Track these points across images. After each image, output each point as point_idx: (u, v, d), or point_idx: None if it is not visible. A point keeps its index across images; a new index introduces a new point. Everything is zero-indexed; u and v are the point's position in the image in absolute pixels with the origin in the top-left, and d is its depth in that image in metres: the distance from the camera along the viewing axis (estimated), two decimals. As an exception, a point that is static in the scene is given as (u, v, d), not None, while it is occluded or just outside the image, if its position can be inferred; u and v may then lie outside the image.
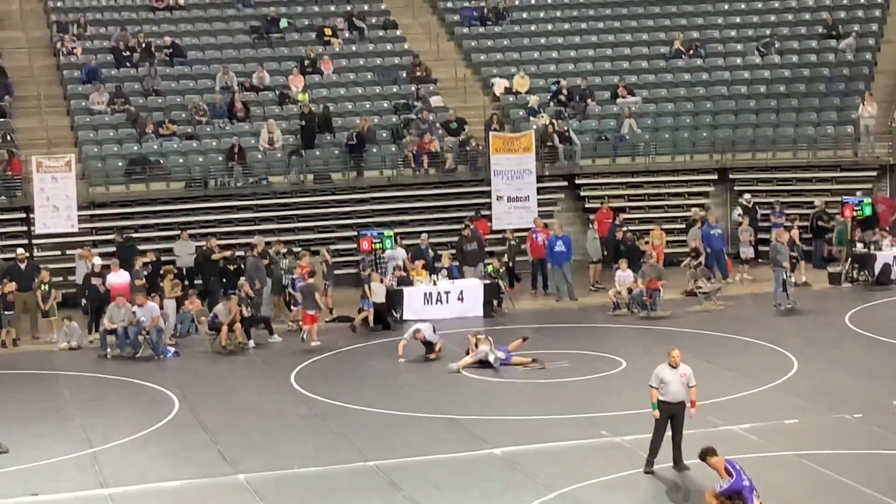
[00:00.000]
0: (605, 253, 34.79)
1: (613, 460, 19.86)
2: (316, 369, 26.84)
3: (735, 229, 36.59)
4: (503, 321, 30.97)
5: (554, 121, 38.46)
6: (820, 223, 36.13)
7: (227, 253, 32.44)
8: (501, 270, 33.06)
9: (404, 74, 40.86)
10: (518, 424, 22.18)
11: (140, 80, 39.19)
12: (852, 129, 39.27)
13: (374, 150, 37.57)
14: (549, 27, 44.03)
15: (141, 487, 19.44)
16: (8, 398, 25.05)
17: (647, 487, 18.82)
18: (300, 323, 30.30)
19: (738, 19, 44.54)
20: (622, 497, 18.59)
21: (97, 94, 37.94)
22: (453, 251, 33.95)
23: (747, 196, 37.08)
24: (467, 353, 26.52)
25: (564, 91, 40.13)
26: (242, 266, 31.60)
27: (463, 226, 34.69)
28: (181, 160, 36.55)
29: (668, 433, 19.18)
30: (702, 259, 33.24)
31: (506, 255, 34.28)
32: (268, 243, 32.83)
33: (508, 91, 40.59)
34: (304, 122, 37.41)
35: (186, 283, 32.48)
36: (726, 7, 45.02)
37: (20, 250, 31.75)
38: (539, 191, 37.03)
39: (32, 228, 34.09)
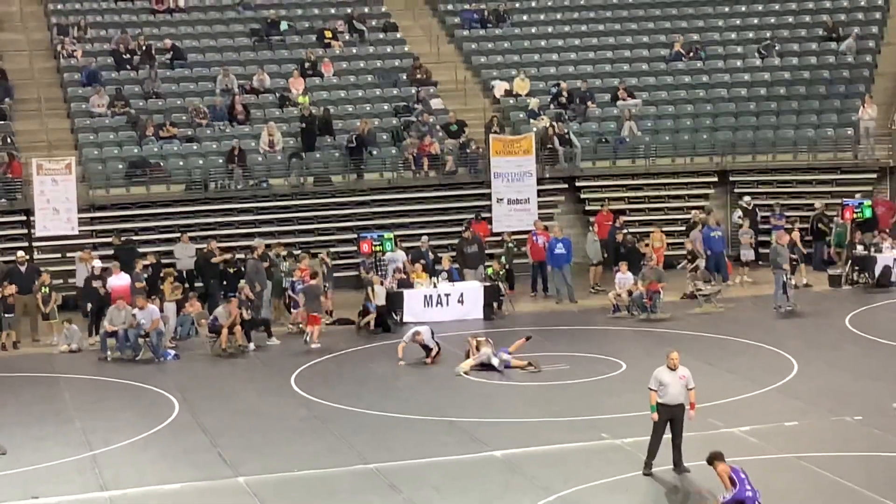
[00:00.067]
0: (606, 255, 34.79)
1: (613, 463, 19.86)
2: (316, 372, 26.84)
3: (735, 231, 36.58)
4: (503, 323, 30.96)
5: (554, 123, 38.46)
6: (820, 225, 36.12)
7: (227, 256, 32.44)
8: (501, 273, 33.06)
9: (404, 77, 40.87)
10: (518, 427, 22.17)
11: (140, 83, 39.20)
12: (852, 131, 39.27)
13: (375, 152, 37.58)
14: (550, 29, 44.03)
15: (141, 490, 19.44)
16: (8, 401, 25.05)
17: (646, 490, 18.82)
18: (301, 325, 30.34)
19: (738, 21, 44.55)
20: (622, 499, 18.59)
21: (97, 97, 37.95)
22: (453, 254, 33.96)
23: (747, 198, 37.09)
24: (467, 355, 26.53)
25: (565, 93, 40.14)
26: (242, 269, 31.61)
27: (463, 228, 34.72)
28: (181, 163, 36.55)
29: (668, 436, 19.18)
30: (698, 262, 33.24)
31: (503, 258, 34.27)
32: (268, 246, 32.83)
33: (509, 93, 40.60)
34: (304, 125, 37.42)
35: (186, 285, 32.50)
36: (726, 9, 45.03)
37: (20, 253, 31.75)
38: (539, 193, 37.02)
39: (33, 231, 34.09)
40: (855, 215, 35.82)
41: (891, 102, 40.52)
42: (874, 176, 38.52)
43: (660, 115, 40.45)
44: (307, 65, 40.36)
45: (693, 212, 36.24)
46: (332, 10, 43.80)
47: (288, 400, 24.58)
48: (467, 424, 22.24)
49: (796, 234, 34.12)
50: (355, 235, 35.51)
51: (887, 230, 35.67)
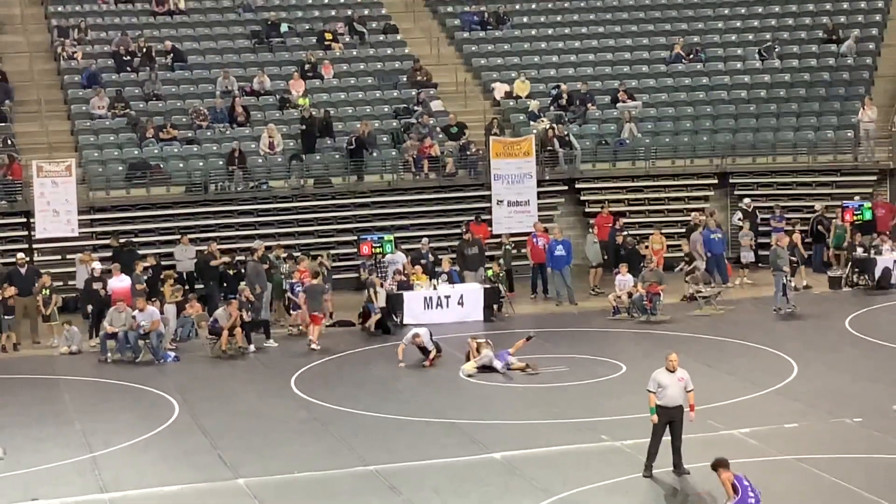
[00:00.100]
0: (605, 257, 34.83)
1: (613, 465, 19.87)
2: (316, 373, 26.85)
3: (735, 233, 36.58)
4: (503, 325, 30.97)
5: (554, 125, 38.47)
6: (819, 227, 36.13)
7: (226, 259, 32.43)
8: (501, 275, 33.07)
9: (405, 79, 40.88)
10: (518, 429, 22.18)
11: (141, 85, 39.22)
12: (852, 133, 39.27)
13: (375, 154, 37.59)
14: (550, 32, 44.04)
15: (141, 492, 19.45)
16: (8, 402, 25.06)
17: (646, 492, 18.83)
18: (300, 327, 30.35)
19: (738, 23, 44.56)
20: (621, 501, 18.59)
21: (98, 99, 37.97)
22: (453, 255, 33.97)
23: (747, 200, 37.12)
24: (468, 357, 26.54)
25: (565, 95, 40.15)
26: (243, 270, 31.60)
27: (464, 230, 34.74)
28: (181, 165, 36.57)
29: (668, 438, 19.18)
30: (696, 264, 33.25)
31: (501, 260, 34.27)
32: (268, 248, 32.83)
33: (509, 95, 40.61)
34: (304, 127, 37.43)
35: (187, 287, 32.51)
36: (727, 11, 45.05)
37: (20, 255, 31.78)
38: (539, 195, 37.02)
39: (33, 233, 34.10)
40: (855, 217, 35.85)
41: (891, 104, 40.53)
42: (874, 178, 38.52)
43: (660, 117, 40.46)
44: (307, 67, 40.37)
45: (693, 214, 36.24)
46: (333, 12, 43.80)
47: (288, 402, 24.59)
48: (467, 426, 22.24)
49: (797, 237, 34.15)
50: (355, 237, 35.56)
51: (887, 232, 35.67)
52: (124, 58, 39.79)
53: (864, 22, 44.04)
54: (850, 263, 34.44)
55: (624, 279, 31.86)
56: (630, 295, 31.28)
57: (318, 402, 24.32)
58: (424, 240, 34.37)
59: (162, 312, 29.12)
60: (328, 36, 42.06)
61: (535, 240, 34.24)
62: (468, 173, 37.69)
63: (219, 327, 28.57)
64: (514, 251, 35.04)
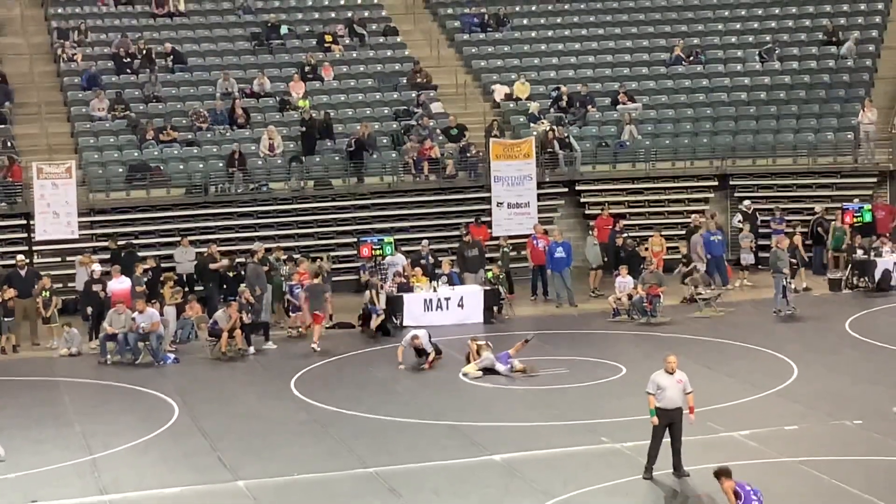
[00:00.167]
0: (606, 259, 34.83)
1: (613, 467, 19.86)
2: (316, 375, 26.84)
3: (735, 235, 36.57)
4: (503, 327, 30.96)
5: (554, 127, 38.48)
6: (819, 229, 36.12)
7: (225, 263, 32.40)
8: (501, 277, 33.06)
9: (405, 81, 40.89)
10: (518, 431, 22.17)
11: (140, 87, 39.22)
12: (852, 135, 39.28)
13: (375, 156, 37.59)
14: (550, 33, 44.04)
15: (141, 494, 19.45)
16: (8, 404, 25.05)
17: (646, 494, 18.82)
18: (300, 329, 30.35)
19: (738, 25, 44.57)
20: (621, 503, 18.58)
21: (98, 101, 37.97)
22: (453, 257, 33.96)
23: (747, 202, 37.12)
24: (468, 359, 26.53)
25: (565, 97, 40.15)
26: (242, 272, 31.60)
27: (464, 232, 34.74)
28: (181, 166, 36.58)
29: (668, 440, 19.17)
30: (694, 265, 33.24)
31: (499, 262, 34.25)
32: (268, 250, 32.81)
33: (509, 97, 40.61)
34: (304, 129, 37.43)
35: (186, 289, 32.50)
36: (727, 13, 45.05)
37: (20, 257, 31.76)
38: (539, 197, 37.03)
39: (32, 235, 34.11)
40: (855, 219, 35.84)
41: (891, 106, 40.53)
42: (874, 180, 38.51)
43: (660, 118, 40.47)
44: (307, 68, 40.38)
45: (693, 216, 36.24)
46: (333, 14, 43.82)
47: (288, 404, 24.58)
48: (467, 428, 22.23)
49: (798, 238, 34.15)
50: (355, 239, 35.54)
51: (887, 234, 35.66)
52: (124, 60, 39.79)
53: (863, 24, 44.06)
54: (850, 265, 34.43)
55: (624, 281, 31.86)
56: (630, 297, 31.28)
57: (317, 403, 24.31)
58: (424, 242, 34.38)
59: (162, 314, 29.11)
60: (328, 38, 42.08)
61: (535, 242, 34.23)
62: (468, 175, 37.70)
63: (218, 329, 28.57)
64: (513, 253, 35.01)
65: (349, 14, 43.44)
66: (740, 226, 36.39)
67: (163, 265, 32.88)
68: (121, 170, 36.14)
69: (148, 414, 23.97)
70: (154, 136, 37.03)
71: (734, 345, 28.29)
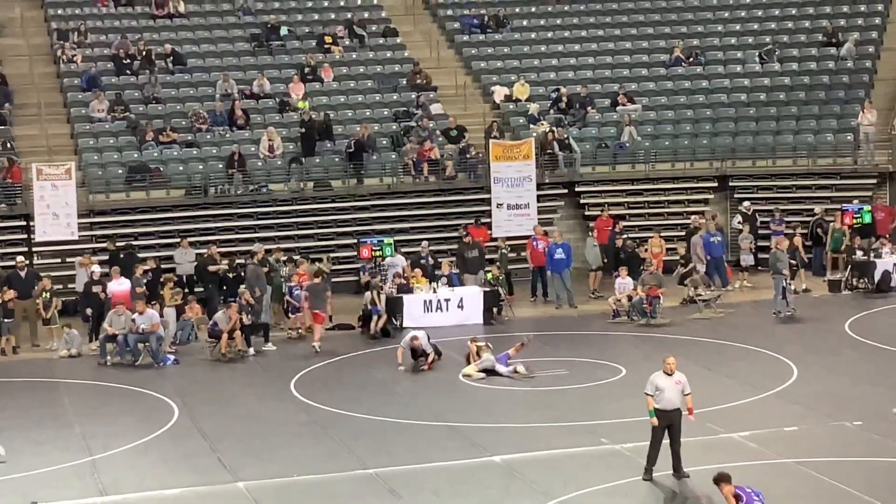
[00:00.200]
0: (605, 260, 34.83)
1: (613, 468, 19.86)
2: (316, 376, 26.84)
3: (735, 237, 36.58)
4: (503, 328, 30.96)
5: (554, 128, 38.48)
6: (819, 231, 36.12)
7: (224, 265, 32.40)
8: (501, 278, 33.06)
9: (404, 82, 40.89)
10: (518, 432, 22.18)
11: (140, 88, 39.23)
12: (852, 136, 39.28)
13: (374, 157, 37.59)
14: (550, 35, 44.05)
15: (140, 495, 19.45)
16: (7, 405, 25.05)
17: (646, 495, 18.82)
18: (300, 330, 30.35)
19: (737, 27, 44.59)
20: (621, 504, 18.63)
21: (97, 102, 37.98)
22: (453, 258, 33.97)
23: (747, 203, 37.12)
24: (468, 360, 26.53)
25: (564, 99, 40.16)
26: (242, 273, 31.61)
27: (464, 233, 34.74)
28: (181, 168, 36.58)
29: (668, 441, 19.17)
30: (693, 266, 33.24)
31: (499, 263, 34.25)
32: (268, 251, 32.81)
33: (508, 99, 40.61)
34: (304, 130, 37.43)
35: (186, 290, 32.50)
36: (726, 15, 45.06)
37: (20, 258, 31.74)
38: (539, 198, 37.03)
39: (32, 236, 34.12)
40: (854, 221, 35.85)
41: (890, 108, 40.53)
42: (874, 181, 38.51)
43: (659, 120, 40.47)
44: (307, 70, 40.38)
45: (693, 217, 36.24)
46: (332, 16, 43.82)
47: (287, 405, 24.58)
48: (467, 429, 22.23)
49: (797, 240, 34.15)
50: (355, 240, 35.54)
51: (887, 235, 35.67)
52: (124, 61, 39.79)
53: (863, 25, 44.06)
54: (849, 267, 34.43)
55: (624, 282, 31.87)
56: (630, 298, 31.28)
57: (317, 405, 24.31)
58: (424, 243, 34.39)
59: (161, 315, 29.11)
60: (328, 39, 42.08)
61: (534, 243, 34.23)
62: (468, 176, 37.70)
63: (218, 330, 28.57)
64: (512, 254, 35.02)
65: (349, 15, 43.44)
66: (740, 227, 36.39)
67: (163, 266, 32.88)
68: (120, 171, 36.14)
69: (148, 415, 23.97)
70: (154, 137, 37.04)
71: (734, 346, 28.29)
